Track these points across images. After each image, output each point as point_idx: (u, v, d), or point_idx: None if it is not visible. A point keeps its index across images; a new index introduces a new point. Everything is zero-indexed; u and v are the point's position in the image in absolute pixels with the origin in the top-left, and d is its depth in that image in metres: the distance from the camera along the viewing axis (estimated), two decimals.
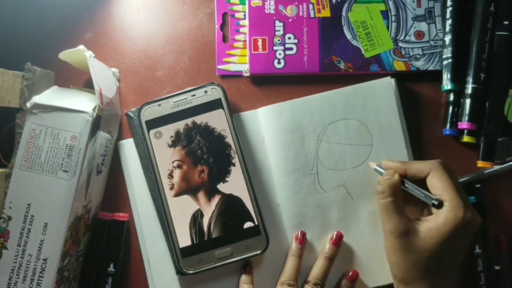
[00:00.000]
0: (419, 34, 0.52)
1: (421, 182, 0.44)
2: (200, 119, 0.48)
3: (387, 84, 0.51)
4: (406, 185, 0.45)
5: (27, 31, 0.53)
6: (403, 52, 0.51)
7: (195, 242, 0.47)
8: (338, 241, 0.48)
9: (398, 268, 0.43)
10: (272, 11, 0.52)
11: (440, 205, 0.42)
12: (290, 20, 0.52)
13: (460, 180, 0.50)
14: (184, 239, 0.47)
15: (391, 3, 0.52)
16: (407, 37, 0.51)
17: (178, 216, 0.47)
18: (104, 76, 0.49)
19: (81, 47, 0.47)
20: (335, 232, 0.48)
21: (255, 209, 0.47)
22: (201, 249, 0.47)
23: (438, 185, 0.43)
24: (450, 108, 0.51)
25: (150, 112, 0.48)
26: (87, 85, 0.53)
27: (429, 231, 0.41)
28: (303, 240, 0.48)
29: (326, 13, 0.52)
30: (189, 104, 0.48)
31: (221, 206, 0.47)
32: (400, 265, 0.42)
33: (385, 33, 0.52)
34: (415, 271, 0.42)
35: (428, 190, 0.44)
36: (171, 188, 0.47)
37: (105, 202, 0.52)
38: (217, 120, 0.48)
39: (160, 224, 0.49)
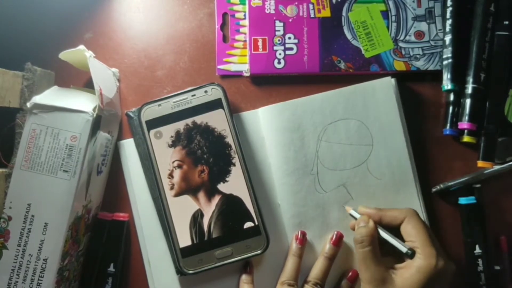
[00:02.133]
0: (419, 34, 0.52)
1: (395, 229, 0.45)
2: (200, 119, 0.48)
3: (387, 84, 0.51)
4: (380, 232, 0.45)
5: (27, 31, 0.53)
6: (403, 52, 0.51)
7: (195, 242, 0.47)
8: (338, 241, 0.48)
9: None
10: (272, 11, 0.52)
11: (412, 254, 0.43)
12: (290, 20, 0.52)
13: (460, 180, 0.50)
14: (184, 239, 0.47)
15: (391, 3, 0.52)
16: (407, 37, 0.51)
17: (178, 216, 0.47)
18: (104, 76, 0.49)
19: (81, 47, 0.47)
20: (335, 232, 0.48)
21: (255, 209, 0.47)
22: (201, 249, 0.47)
23: (411, 232, 0.44)
24: (450, 108, 0.51)
25: (150, 112, 0.48)
26: (87, 85, 0.53)
27: (404, 280, 0.42)
28: (303, 240, 0.48)
29: (326, 13, 0.52)
30: (189, 104, 0.48)
31: (221, 206, 0.47)
32: None
33: (385, 33, 0.52)
34: None
35: (401, 238, 0.45)
36: (171, 188, 0.47)
37: (105, 202, 0.52)
38: (217, 120, 0.48)
39: (160, 224, 0.49)
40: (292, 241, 0.49)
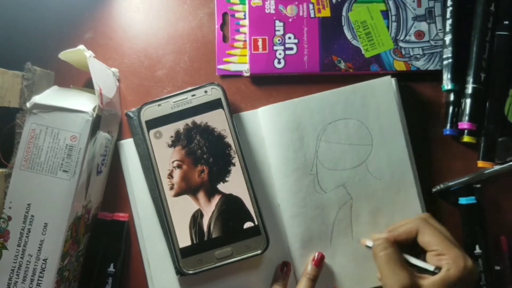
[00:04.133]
0: (419, 34, 0.51)
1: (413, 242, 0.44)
2: (200, 119, 0.48)
3: (387, 83, 0.50)
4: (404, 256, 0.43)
5: (27, 31, 0.53)
6: (403, 52, 0.51)
7: (195, 242, 0.47)
8: (319, 262, 0.48)
9: None
10: (272, 11, 0.52)
11: (438, 271, 0.41)
12: (290, 20, 0.52)
13: (460, 180, 0.50)
14: (184, 239, 0.47)
15: (391, 3, 0.52)
16: (407, 37, 0.51)
17: (178, 216, 0.47)
18: (104, 76, 0.49)
19: (81, 47, 0.47)
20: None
21: (255, 209, 0.47)
22: (201, 249, 0.47)
23: (431, 241, 0.42)
24: (450, 108, 0.51)
25: (150, 112, 0.48)
26: (87, 85, 0.53)
27: (433, 285, 0.40)
28: (320, 262, 0.48)
29: (326, 13, 0.52)
30: (189, 104, 0.48)
31: (221, 206, 0.47)
32: None
33: (385, 33, 0.51)
34: None
35: (421, 250, 0.43)
36: (171, 188, 0.47)
37: (105, 202, 0.52)
38: (217, 120, 0.48)
39: (160, 224, 0.49)
40: (308, 263, 0.48)
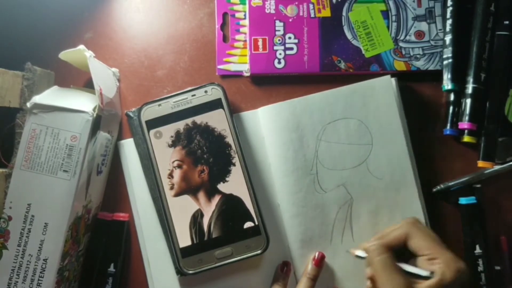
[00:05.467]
0: (420, 34, 0.51)
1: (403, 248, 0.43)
2: (200, 119, 0.48)
3: (387, 82, 0.50)
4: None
5: (27, 31, 0.53)
6: (403, 52, 0.51)
7: (195, 242, 0.47)
8: (320, 262, 0.48)
9: None
10: (273, 11, 0.52)
11: (433, 275, 0.41)
12: (290, 20, 0.52)
13: (460, 180, 0.50)
14: (184, 239, 0.47)
15: (391, 3, 0.52)
16: (407, 37, 0.51)
17: (178, 216, 0.47)
18: (104, 76, 0.49)
19: (81, 47, 0.47)
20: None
21: (255, 209, 0.47)
22: (201, 249, 0.47)
23: (422, 245, 0.42)
24: (451, 108, 0.51)
25: (150, 112, 0.48)
26: (87, 85, 0.53)
27: (431, 286, 0.40)
28: (320, 262, 0.48)
29: (327, 13, 0.52)
30: (189, 104, 0.48)
31: (221, 206, 0.47)
32: None
33: (386, 33, 0.51)
34: None
35: (411, 255, 0.43)
36: (171, 188, 0.47)
37: (105, 202, 0.52)
38: (217, 120, 0.48)
39: (160, 224, 0.49)
40: (309, 263, 0.48)
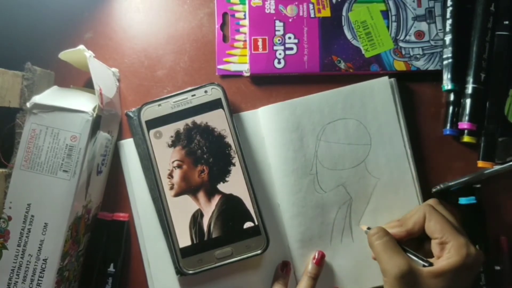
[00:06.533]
0: (420, 34, 0.51)
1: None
2: (200, 119, 0.48)
3: (385, 83, 0.50)
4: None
5: (27, 31, 0.53)
6: (403, 52, 0.51)
7: (195, 242, 0.47)
8: (320, 261, 0.48)
9: None
10: (272, 11, 0.52)
11: (431, 266, 0.41)
12: (290, 20, 0.52)
13: (460, 180, 0.50)
14: (184, 239, 0.47)
15: (391, 3, 0.52)
16: (407, 37, 0.51)
17: (178, 216, 0.47)
18: (104, 76, 0.49)
19: (81, 47, 0.47)
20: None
21: (255, 209, 0.47)
22: (201, 249, 0.47)
23: (436, 228, 0.42)
24: (450, 108, 0.51)
25: (150, 112, 0.48)
26: (87, 85, 0.53)
27: (432, 273, 0.40)
28: (320, 261, 0.48)
29: (326, 13, 0.52)
30: (189, 104, 0.48)
31: (221, 206, 0.47)
32: None
33: (385, 33, 0.51)
34: None
35: (427, 238, 0.43)
36: (171, 188, 0.47)
37: (105, 202, 0.52)
38: (217, 120, 0.48)
39: (160, 224, 0.49)
40: (309, 262, 0.48)
